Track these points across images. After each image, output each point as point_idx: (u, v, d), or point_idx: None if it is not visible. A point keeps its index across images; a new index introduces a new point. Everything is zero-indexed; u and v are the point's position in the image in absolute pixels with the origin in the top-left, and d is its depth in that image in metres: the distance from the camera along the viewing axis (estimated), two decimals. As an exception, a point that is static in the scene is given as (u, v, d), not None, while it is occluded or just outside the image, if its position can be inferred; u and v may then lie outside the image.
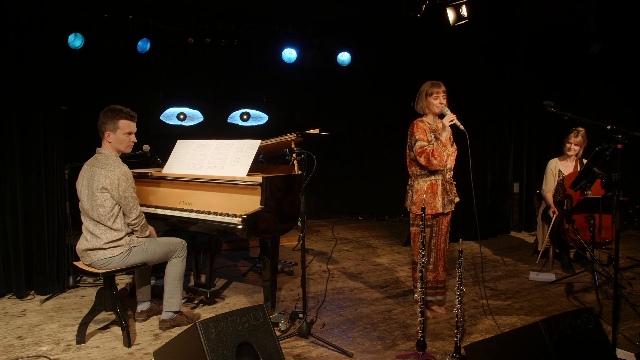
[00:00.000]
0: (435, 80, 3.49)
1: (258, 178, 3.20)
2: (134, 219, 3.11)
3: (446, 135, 3.43)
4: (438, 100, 3.42)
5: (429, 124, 3.48)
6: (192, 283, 4.04)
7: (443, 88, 3.44)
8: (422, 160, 3.36)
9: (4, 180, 3.87)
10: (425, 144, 3.37)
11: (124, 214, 3.10)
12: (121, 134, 3.12)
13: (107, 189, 3.00)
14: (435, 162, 3.33)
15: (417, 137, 3.39)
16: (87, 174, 3.10)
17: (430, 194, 3.42)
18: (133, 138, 3.19)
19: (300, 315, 3.28)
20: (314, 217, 7.55)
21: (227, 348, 2.20)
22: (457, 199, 3.57)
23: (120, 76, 6.38)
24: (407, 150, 3.53)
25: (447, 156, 3.45)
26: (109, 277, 3.14)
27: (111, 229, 3.04)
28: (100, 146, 3.17)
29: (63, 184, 4.10)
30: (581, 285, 4.30)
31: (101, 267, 3.06)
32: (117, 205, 3.06)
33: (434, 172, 3.44)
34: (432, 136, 3.42)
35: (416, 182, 3.49)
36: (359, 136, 7.60)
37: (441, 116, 3.49)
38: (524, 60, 6.55)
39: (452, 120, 3.34)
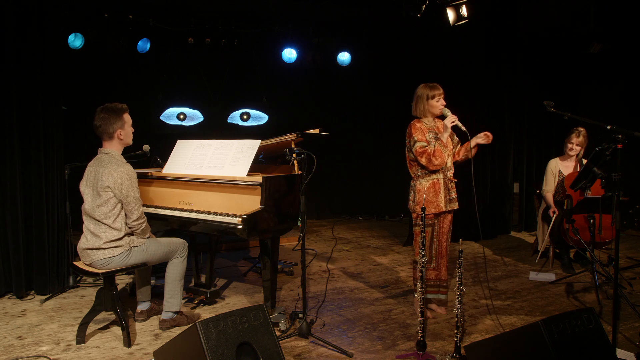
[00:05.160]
0: (432, 83, 3.49)
1: (258, 178, 3.20)
2: (134, 220, 3.10)
3: (447, 136, 3.44)
4: (440, 102, 3.44)
5: (426, 124, 3.48)
6: (192, 283, 4.04)
7: (442, 90, 3.46)
8: (423, 160, 3.36)
9: (4, 180, 3.88)
10: (425, 144, 3.37)
11: (125, 215, 3.10)
12: (128, 127, 3.19)
13: (110, 187, 3.01)
14: (436, 162, 3.34)
15: (416, 138, 3.40)
16: (92, 174, 3.10)
17: (433, 193, 3.43)
18: (132, 128, 3.27)
19: (300, 315, 3.28)
20: (314, 217, 7.55)
21: (227, 348, 2.20)
22: (456, 204, 3.56)
23: (120, 76, 6.38)
24: (406, 152, 3.54)
25: (448, 156, 3.46)
26: (109, 277, 3.14)
27: (111, 227, 3.04)
28: (101, 146, 3.18)
29: (63, 184, 4.10)
30: (581, 285, 4.31)
31: (101, 267, 3.06)
32: (120, 205, 3.06)
33: (435, 171, 3.44)
34: (431, 136, 3.43)
35: (418, 182, 3.50)
36: (359, 136, 7.60)
37: (440, 117, 3.50)
38: (523, 60, 6.55)
39: (453, 122, 3.35)
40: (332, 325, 3.43)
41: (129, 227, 3.12)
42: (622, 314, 3.53)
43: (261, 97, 7.33)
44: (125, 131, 3.17)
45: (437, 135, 3.45)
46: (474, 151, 3.50)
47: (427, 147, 3.36)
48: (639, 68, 6.48)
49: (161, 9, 6.05)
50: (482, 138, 3.46)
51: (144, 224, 3.17)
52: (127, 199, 3.05)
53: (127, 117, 3.19)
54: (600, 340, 2.41)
